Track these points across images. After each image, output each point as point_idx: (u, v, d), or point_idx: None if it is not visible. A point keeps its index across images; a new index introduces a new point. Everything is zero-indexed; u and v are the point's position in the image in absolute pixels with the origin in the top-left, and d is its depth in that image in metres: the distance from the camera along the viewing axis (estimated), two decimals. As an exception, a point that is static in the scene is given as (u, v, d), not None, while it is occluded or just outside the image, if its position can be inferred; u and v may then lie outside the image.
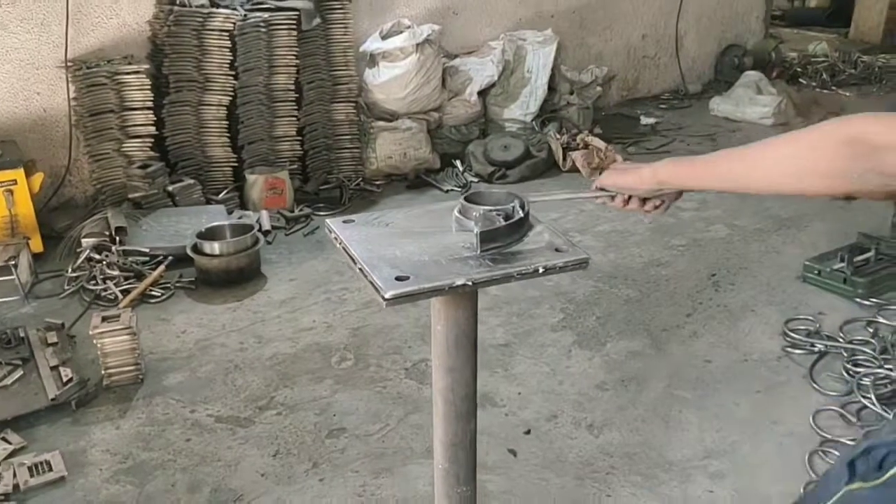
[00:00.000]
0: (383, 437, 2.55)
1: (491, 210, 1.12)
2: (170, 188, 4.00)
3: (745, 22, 6.48)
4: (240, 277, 3.54)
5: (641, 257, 3.70)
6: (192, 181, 4.07)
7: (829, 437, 2.44)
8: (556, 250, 1.10)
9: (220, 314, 3.32)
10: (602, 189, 1.30)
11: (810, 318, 3.09)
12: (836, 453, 2.36)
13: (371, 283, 1.04)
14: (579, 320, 3.19)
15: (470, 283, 1.02)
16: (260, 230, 3.84)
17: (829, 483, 1.05)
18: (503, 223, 1.10)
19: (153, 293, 3.44)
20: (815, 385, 2.71)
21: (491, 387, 2.80)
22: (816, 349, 2.88)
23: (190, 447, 2.53)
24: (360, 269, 1.07)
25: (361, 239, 1.15)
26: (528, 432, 2.56)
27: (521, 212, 1.12)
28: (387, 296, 0.99)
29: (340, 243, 1.15)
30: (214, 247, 3.51)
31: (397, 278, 1.02)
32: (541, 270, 1.06)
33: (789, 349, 2.92)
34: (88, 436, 2.59)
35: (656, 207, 1.31)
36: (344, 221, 1.22)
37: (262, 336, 3.15)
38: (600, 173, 4.46)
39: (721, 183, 1.16)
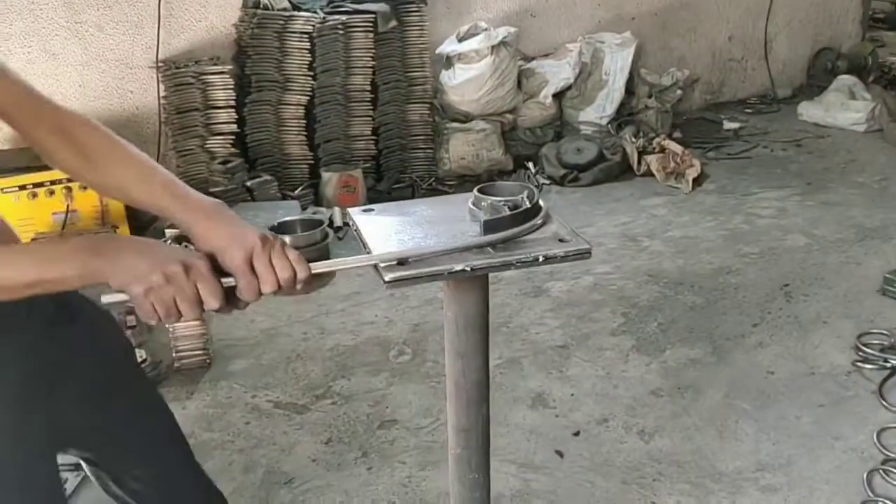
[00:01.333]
0: (433, 430, 2.59)
1: (499, 200, 1.14)
2: (248, 184, 4.17)
3: (841, 24, 6.21)
4: (309, 271, 3.66)
5: (711, 264, 3.61)
6: (269, 177, 4.23)
7: (892, 455, 2.33)
8: (560, 240, 1.11)
9: (286, 305, 3.44)
10: None
11: (886, 332, 2.94)
12: (900, 473, 2.25)
13: (374, 266, 1.08)
14: (640, 325, 3.14)
15: (468, 269, 1.05)
16: (332, 226, 3.95)
17: None
18: (507, 213, 1.12)
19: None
20: (883, 402, 2.59)
21: (545, 387, 2.80)
22: (889, 365, 2.74)
23: (248, 430, 2.64)
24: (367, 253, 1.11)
25: (375, 226, 1.19)
26: (577, 434, 2.55)
27: (527, 202, 1.13)
28: (386, 279, 1.03)
29: (355, 230, 1.20)
30: (284, 240, 3.63)
31: (399, 262, 1.05)
32: (540, 259, 1.07)
33: (860, 364, 2.79)
34: (157, 414, 2.74)
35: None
36: (363, 210, 1.26)
37: (325, 328, 3.25)
38: (675, 178, 4.35)
39: None
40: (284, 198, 4.27)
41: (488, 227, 1.10)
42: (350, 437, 2.58)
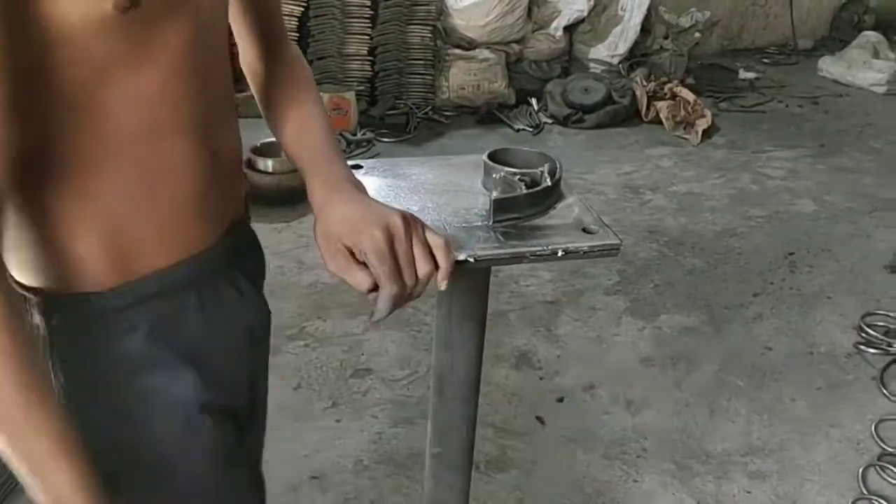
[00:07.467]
0: (409, 384, 2.45)
1: (514, 174, 0.94)
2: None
3: (873, -24, 5.89)
4: (291, 198, 3.44)
5: (715, 225, 3.44)
6: (255, 92, 3.95)
7: (890, 449, 2.21)
8: (584, 230, 0.91)
9: (265, 234, 3.22)
10: None
11: (892, 314, 2.80)
12: (895, 469, 2.13)
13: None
14: (636, 286, 2.98)
15: (471, 260, 0.86)
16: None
17: None
18: (524, 191, 0.92)
19: (203, 203, 3.39)
20: (884, 390, 2.46)
21: (531, 345, 2.65)
22: (893, 350, 2.61)
23: (214, 367, 2.48)
24: (350, 226, 0.91)
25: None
26: (561, 400, 2.41)
27: (549, 180, 0.93)
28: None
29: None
30: (268, 164, 3.40)
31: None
32: (560, 254, 0.88)
33: (863, 346, 2.66)
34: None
35: None
36: (352, 167, 1.06)
37: (304, 262, 3.06)
38: (685, 128, 4.12)
39: None
40: (270, 115, 4.01)
41: (500, 206, 0.90)
42: (321, 384, 2.43)
